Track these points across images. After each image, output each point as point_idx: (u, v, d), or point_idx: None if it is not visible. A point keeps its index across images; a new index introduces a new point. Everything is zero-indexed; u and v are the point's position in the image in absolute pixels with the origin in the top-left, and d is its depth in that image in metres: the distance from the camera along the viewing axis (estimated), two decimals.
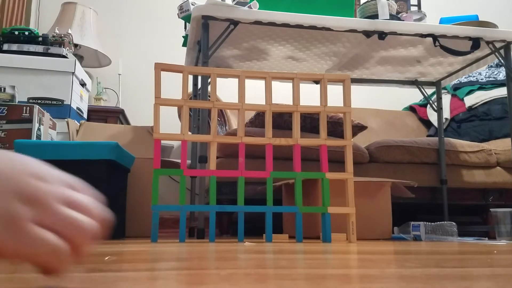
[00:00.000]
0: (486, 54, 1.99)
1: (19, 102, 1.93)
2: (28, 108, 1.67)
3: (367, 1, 1.87)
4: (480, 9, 3.36)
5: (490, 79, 2.86)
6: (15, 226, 0.31)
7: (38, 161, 0.36)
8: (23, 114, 1.67)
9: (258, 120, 2.07)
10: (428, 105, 2.96)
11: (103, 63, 2.88)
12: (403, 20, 1.87)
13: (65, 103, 2.09)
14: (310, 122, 2.03)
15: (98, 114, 2.54)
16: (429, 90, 2.51)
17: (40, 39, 2.34)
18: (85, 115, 2.38)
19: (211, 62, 1.74)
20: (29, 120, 1.67)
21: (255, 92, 2.66)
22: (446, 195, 2.17)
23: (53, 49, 2.31)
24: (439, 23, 1.99)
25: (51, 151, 1.43)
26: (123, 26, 3.06)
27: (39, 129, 1.72)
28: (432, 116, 2.90)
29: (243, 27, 1.73)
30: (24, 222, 0.31)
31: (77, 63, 2.20)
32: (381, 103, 3.15)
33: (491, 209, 1.60)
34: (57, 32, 2.43)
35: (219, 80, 2.89)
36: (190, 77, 2.04)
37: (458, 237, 1.52)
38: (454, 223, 1.52)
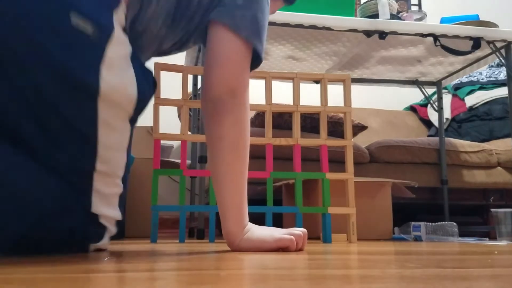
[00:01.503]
0: (486, 54, 1.99)
1: None
2: None
3: (367, 1, 1.87)
4: (481, 9, 3.35)
5: (491, 79, 2.86)
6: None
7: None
8: None
9: (258, 120, 2.06)
10: (429, 105, 2.95)
11: None
12: (404, 20, 1.86)
13: None
14: (310, 122, 2.03)
15: None
16: (430, 90, 2.50)
17: None
18: None
19: None
20: None
21: (255, 92, 2.66)
22: (446, 195, 2.17)
23: None
24: (440, 22, 1.98)
25: None
26: None
27: None
28: (433, 116, 2.89)
29: None
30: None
31: None
32: (381, 103, 3.15)
33: (492, 210, 1.60)
34: None
35: None
36: (190, 77, 2.04)
37: (458, 238, 1.52)
38: (454, 224, 1.52)
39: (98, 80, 0.67)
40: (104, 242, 0.81)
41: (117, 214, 0.81)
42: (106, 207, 0.78)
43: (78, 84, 0.67)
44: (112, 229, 0.81)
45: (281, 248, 0.84)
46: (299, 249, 0.86)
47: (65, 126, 0.69)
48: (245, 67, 0.85)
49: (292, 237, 0.84)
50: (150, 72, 0.80)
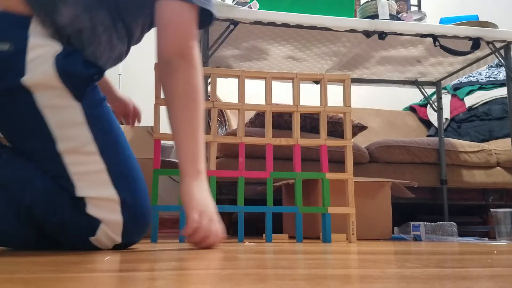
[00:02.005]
0: (486, 54, 1.99)
1: None
2: None
3: (367, 1, 1.87)
4: (480, 9, 3.35)
5: (490, 79, 2.86)
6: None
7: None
8: None
9: (258, 120, 2.06)
10: (428, 105, 2.95)
11: None
12: (403, 20, 1.86)
13: None
14: (310, 122, 2.03)
15: None
16: (429, 90, 2.51)
17: None
18: None
19: (211, 62, 1.73)
20: None
21: (255, 92, 2.66)
22: (446, 195, 2.17)
23: None
24: (439, 23, 1.98)
25: None
26: None
27: None
28: (432, 116, 2.90)
29: (243, 27, 1.73)
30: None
31: None
32: (381, 103, 3.15)
33: (491, 209, 1.60)
34: None
35: (219, 80, 2.88)
36: None
37: (458, 237, 1.52)
38: (454, 223, 1.52)
39: (25, 79, 0.82)
40: (99, 237, 0.82)
41: (109, 193, 0.83)
42: (92, 187, 0.83)
43: (13, 88, 0.82)
44: (110, 219, 0.82)
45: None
46: (205, 245, 0.87)
47: (21, 123, 0.85)
48: (190, 29, 0.92)
49: (200, 232, 0.86)
50: (89, 61, 0.90)
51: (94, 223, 0.83)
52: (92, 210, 0.83)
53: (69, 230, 0.84)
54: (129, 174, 0.89)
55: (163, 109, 1.33)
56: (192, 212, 0.87)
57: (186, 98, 0.92)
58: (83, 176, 0.84)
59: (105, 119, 0.90)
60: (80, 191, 0.83)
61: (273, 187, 1.33)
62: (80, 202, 0.83)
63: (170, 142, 2.71)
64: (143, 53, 3.12)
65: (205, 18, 0.98)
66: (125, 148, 0.92)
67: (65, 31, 0.87)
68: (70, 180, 0.84)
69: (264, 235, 1.30)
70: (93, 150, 0.85)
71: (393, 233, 1.65)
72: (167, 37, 0.91)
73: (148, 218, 0.91)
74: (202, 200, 0.89)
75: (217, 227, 0.89)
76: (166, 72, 0.92)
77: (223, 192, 1.93)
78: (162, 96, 1.30)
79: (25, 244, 0.87)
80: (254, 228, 2.03)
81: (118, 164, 0.88)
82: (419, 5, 2.23)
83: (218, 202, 1.76)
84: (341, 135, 2.00)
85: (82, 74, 0.87)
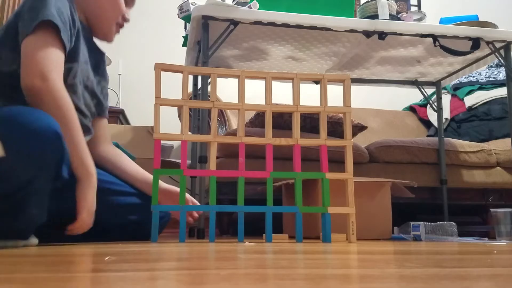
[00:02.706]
0: (486, 54, 1.99)
1: None
2: None
3: (367, 1, 1.87)
4: (480, 9, 3.36)
5: (490, 79, 2.86)
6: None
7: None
8: None
9: (258, 120, 2.07)
10: (428, 105, 2.96)
11: None
12: (403, 20, 1.87)
13: None
14: (310, 122, 2.03)
15: None
16: (429, 90, 2.51)
17: None
18: None
19: (211, 62, 1.73)
20: None
21: (255, 92, 2.67)
22: (446, 195, 2.17)
23: None
24: (439, 23, 1.99)
25: None
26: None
27: None
28: (432, 116, 2.90)
29: (243, 27, 1.73)
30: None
31: None
32: (381, 103, 3.15)
33: (491, 209, 1.60)
34: None
35: (219, 80, 2.89)
36: (190, 77, 2.04)
37: (458, 237, 1.52)
38: (454, 223, 1.52)
39: None
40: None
41: None
42: None
43: None
44: None
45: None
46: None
47: None
48: (41, 53, 1.04)
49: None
50: None
51: None
52: None
53: None
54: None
55: (163, 109, 1.33)
56: (83, 211, 1.06)
57: (58, 117, 1.01)
58: None
59: None
60: None
61: (273, 187, 1.33)
62: None
63: (170, 142, 2.71)
64: (143, 53, 3.13)
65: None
66: None
67: None
68: None
69: (264, 235, 1.30)
70: None
71: (393, 233, 1.65)
72: (24, 65, 1.04)
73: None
74: (91, 202, 1.08)
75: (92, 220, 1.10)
76: (32, 100, 1.03)
77: (223, 192, 1.93)
78: (163, 97, 1.31)
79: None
80: (254, 228, 2.03)
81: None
82: (419, 5, 2.23)
83: (218, 202, 1.77)
84: (341, 135, 2.00)
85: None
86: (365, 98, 3.16)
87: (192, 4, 1.81)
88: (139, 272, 0.49)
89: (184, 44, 2.08)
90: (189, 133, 1.73)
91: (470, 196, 2.27)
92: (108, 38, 1.31)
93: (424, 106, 3.06)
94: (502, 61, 1.89)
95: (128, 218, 1.30)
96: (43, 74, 1.02)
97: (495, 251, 0.92)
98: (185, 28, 2.05)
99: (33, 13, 1.06)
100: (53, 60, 1.05)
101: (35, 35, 1.04)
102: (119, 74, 2.96)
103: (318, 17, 1.72)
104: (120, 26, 1.31)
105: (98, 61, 1.34)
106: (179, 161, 2.20)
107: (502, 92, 2.67)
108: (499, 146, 2.35)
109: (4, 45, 1.11)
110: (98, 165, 1.22)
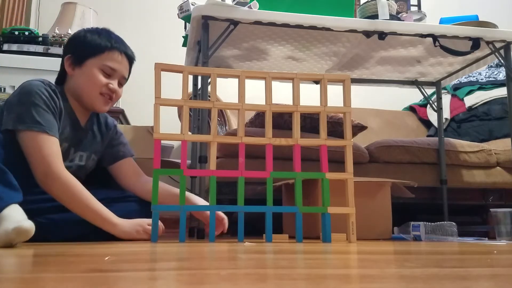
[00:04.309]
0: (486, 54, 1.99)
1: None
2: None
3: (367, 1, 1.87)
4: (480, 9, 3.35)
5: (490, 79, 2.86)
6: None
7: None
8: None
9: (258, 120, 2.06)
10: (428, 105, 2.95)
11: None
12: (403, 20, 1.86)
13: None
14: (310, 122, 2.03)
15: None
16: (429, 90, 2.51)
17: (40, 39, 2.34)
18: None
19: (211, 62, 1.73)
20: None
21: (255, 92, 2.67)
22: (446, 195, 2.17)
23: (53, 49, 2.31)
24: (439, 23, 1.98)
25: None
26: (123, 26, 3.06)
27: None
28: (432, 116, 2.90)
29: (243, 27, 1.73)
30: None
31: None
32: (381, 103, 3.15)
33: (491, 209, 1.60)
34: (57, 32, 2.43)
35: (219, 80, 2.88)
36: (190, 77, 2.04)
37: (458, 237, 1.52)
38: (454, 223, 1.52)
39: None
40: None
41: None
42: None
43: None
44: None
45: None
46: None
47: None
48: (44, 150, 1.19)
49: None
50: None
51: None
52: None
53: None
54: None
55: (163, 109, 1.33)
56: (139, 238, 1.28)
57: (67, 202, 1.20)
58: None
59: None
60: None
61: (273, 187, 1.33)
62: None
63: (171, 142, 2.71)
64: (143, 53, 3.13)
65: None
66: None
67: None
68: None
69: (264, 235, 1.30)
70: None
71: (393, 233, 1.65)
72: (32, 163, 1.19)
73: None
74: (133, 235, 1.27)
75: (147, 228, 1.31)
76: (47, 189, 1.19)
77: (223, 192, 1.92)
78: (163, 97, 1.31)
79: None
80: (254, 228, 2.03)
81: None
82: (419, 5, 2.23)
83: (218, 202, 1.77)
84: (341, 135, 1.99)
85: None
86: (365, 98, 3.15)
87: (192, 4, 1.80)
88: (139, 272, 0.49)
89: (184, 44, 2.08)
90: (189, 133, 1.73)
91: (470, 196, 2.27)
92: (96, 109, 1.38)
93: (424, 106, 3.05)
94: (502, 61, 1.89)
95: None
96: (52, 174, 1.18)
97: (495, 251, 0.92)
98: (185, 28, 2.05)
99: (25, 117, 1.21)
100: (55, 152, 1.20)
101: (32, 132, 1.20)
102: None
103: (318, 17, 1.72)
104: (108, 95, 1.37)
105: (81, 138, 1.40)
106: (179, 161, 2.19)
107: (502, 92, 2.66)
108: (499, 146, 2.35)
109: None
110: (146, 198, 1.39)
